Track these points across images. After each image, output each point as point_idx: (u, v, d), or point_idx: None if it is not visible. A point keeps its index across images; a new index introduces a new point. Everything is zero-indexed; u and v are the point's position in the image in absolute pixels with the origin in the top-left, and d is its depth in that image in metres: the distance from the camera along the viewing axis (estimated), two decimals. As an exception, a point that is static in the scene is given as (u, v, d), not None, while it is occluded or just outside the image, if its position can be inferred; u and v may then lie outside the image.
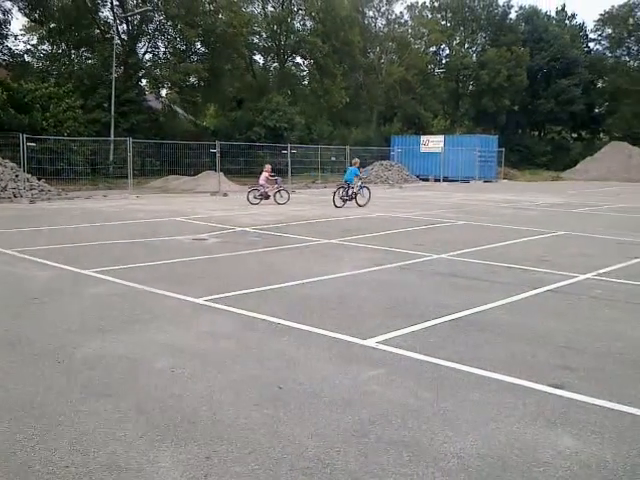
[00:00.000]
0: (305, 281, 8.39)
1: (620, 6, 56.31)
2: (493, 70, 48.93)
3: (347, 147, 32.01)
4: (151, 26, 36.54)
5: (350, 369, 5.08)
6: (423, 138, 41.58)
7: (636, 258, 10.65)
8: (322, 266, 9.53)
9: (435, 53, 55.81)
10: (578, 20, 60.63)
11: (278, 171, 31.49)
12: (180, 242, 12.01)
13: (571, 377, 4.98)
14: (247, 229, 13.94)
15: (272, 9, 41.96)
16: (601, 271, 9.38)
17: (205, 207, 19.30)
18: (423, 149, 40.40)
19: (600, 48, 59.19)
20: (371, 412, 4.25)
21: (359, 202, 19.84)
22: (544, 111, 53.13)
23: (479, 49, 55.50)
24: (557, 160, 51.21)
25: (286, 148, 29.07)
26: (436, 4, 55.04)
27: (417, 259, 10.30)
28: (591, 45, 60.07)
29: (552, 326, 6.43)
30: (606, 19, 57.11)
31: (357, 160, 21.14)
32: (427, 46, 53.27)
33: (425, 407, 4.37)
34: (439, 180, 37.11)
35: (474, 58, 54.12)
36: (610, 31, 57.18)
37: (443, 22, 54.67)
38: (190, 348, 5.55)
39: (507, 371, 5.06)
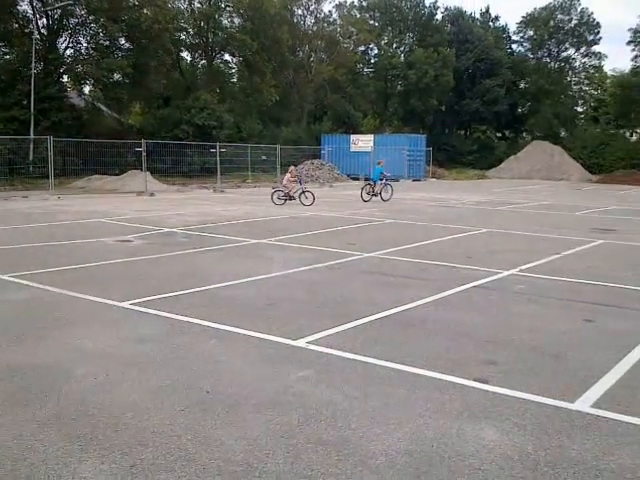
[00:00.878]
0: (234, 282, 8.28)
1: (541, 9, 58.68)
2: (420, 70, 49.92)
3: (278, 146, 31.88)
4: (72, 20, 35.21)
5: (279, 370, 5.05)
6: (353, 137, 41.96)
7: (557, 254, 11.09)
8: (251, 267, 9.44)
9: (364, 52, 56.43)
10: (501, 22, 62.99)
11: (207, 170, 31.20)
12: (104, 244, 11.64)
13: (495, 371, 5.12)
14: (175, 230, 13.66)
15: (199, 5, 41.26)
16: (524, 267, 9.71)
17: (131, 207, 18.79)
18: (353, 148, 40.77)
19: (522, 50, 61.49)
20: (300, 413, 4.24)
21: (384, 197, 22.23)
22: (470, 111, 54.66)
23: (407, 49, 56.50)
24: (483, 159, 52.80)
25: (215, 147, 28.65)
26: (364, 4, 55.70)
27: (347, 258, 10.36)
28: (514, 47, 62.30)
29: (477, 321, 6.60)
30: (528, 21, 59.31)
31: (382, 160, 23.72)
32: (356, 45, 53.78)
33: (354, 406, 4.38)
34: (369, 179, 37.46)
35: (402, 58, 55.03)
36: (532, 33, 59.41)
37: (371, 22, 55.35)
38: (114, 354, 5.37)
39: (434, 367, 5.15)
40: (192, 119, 35.18)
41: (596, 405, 4.45)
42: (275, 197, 20.15)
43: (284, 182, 20.54)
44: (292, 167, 21.67)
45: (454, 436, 3.95)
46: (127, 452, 3.65)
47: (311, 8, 48.44)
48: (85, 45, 36.55)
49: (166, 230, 13.61)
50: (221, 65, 44.94)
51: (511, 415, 4.27)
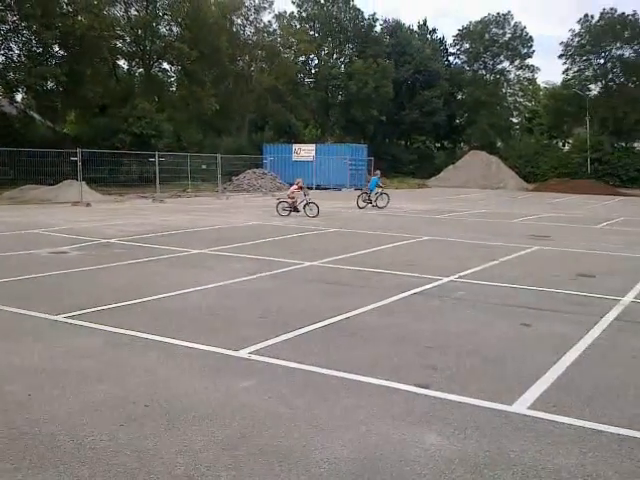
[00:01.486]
0: (174, 293, 8.12)
1: (477, 22, 60.42)
2: (361, 81, 50.51)
3: (218, 155, 31.56)
4: (4, 27, 34.03)
5: (221, 381, 4.97)
6: (295, 147, 42.03)
7: (493, 260, 11.37)
8: (192, 277, 9.28)
9: (304, 63, 56.71)
10: (439, 35, 64.25)
11: (146, 180, 30.61)
12: (37, 256, 11.22)
13: (436, 376, 5.18)
14: (112, 240, 13.30)
15: (136, 13, 40.56)
16: (463, 273, 9.91)
17: (66, 218, 18.21)
18: (295, 157, 40.85)
19: (459, 62, 63.18)
20: (242, 424, 4.18)
21: (379, 205, 23.61)
22: (409, 121, 55.65)
23: (347, 60, 57.06)
24: (423, 168, 53.89)
25: (154, 156, 28.16)
26: (304, 14, 55.98)
27: (289, 267, 10.33)
28: (451, 59, 63.93)
29: (418, 328, 6.68)
30: (464, 34, 61.00)
31: (378, 172, 25.97)
32: (296, 55, 54.00)
33: (297, 415, 4.36)
34: (311, 188, 37.58)
35: (342, 69, 55.58)
36: (468, 46, 61.12)
37: (311, 32, 55.65)
38: (48, 369, 5.17)
39: (377, 374, 5.17)
40: (130, 128, 34.49)
41: (533, 407, 4.56)
42: (280, 208, 19.66)
43: (289, 193, 20.00)
44: (298, 179, 20.99)
45: (397, 442, 3.97)
46: (63, 470, 3.51)
47: (250, 18, 48.32)
48: (17, 52, 35.39)
49: (103, 241, 13.24)
50: (159, 74, 44.27)
51: (452, 419, 4.33)
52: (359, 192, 25.45)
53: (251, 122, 49.94)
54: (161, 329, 6.36)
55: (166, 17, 41.15)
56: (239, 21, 48.11)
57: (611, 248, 13.43)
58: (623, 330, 6.75)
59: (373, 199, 23.70)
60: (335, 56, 58.10)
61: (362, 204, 23.57)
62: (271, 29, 51.16)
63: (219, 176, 31.22)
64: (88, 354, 5.58)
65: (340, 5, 56.08)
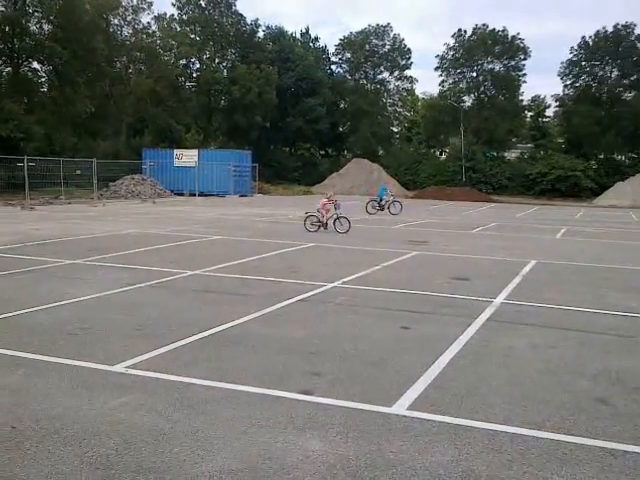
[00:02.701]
0: (43, 307, 7.62)
1: (357, 32, 62.08)
2: (244, 87, 50.25)
3: (94, 160, 30.12)
4: None
5: (96, 398, 4.72)
6: (176, 152, 41.04)
7: (376, 266, 11.67)
8: (64, 290, 8.76)
9: (185, 66, 55.57)
10: (321, 43, 65.16)
11: (14, 186, 28.67)
12: None
13: (319, 382, 5.21)
14: (-24, 251, 12.31)
15: (2, 9, 37.95)
16: (346, 279, 10.08)
17: None
18: (177, 163, 39.89)
19: (341, 71, 64.48)
20: (118, 442, 4.00)
21: (392, 212, 25.79)
22: (293, 128, 56.09)
23: (230, 65, 56.60)
24: (307, 175, 54.52)
25: (22, 161, 26.41)
26: (185, 17, 54.94)
27: (170, 277, 10.03)
28: (333, 68, 65.10)
29: (302, 335, 6.69)
30: (345, 44, 62.47)
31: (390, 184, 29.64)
32: (177, 58, 52.82)
33: (176, 429, 4.22)
34: (194, 195, 36.93)
35: (225, 74, 55.05)
36: (349, 55, 62.62)
37: (192, 36, 54.68)
38: None
39: (259, 383, 5.12)
40: (-5, 130, 32.22)
41: (411, 407, 4.69)
42: (308, 223, 17.99)
43: (319, 206, 18.29)
44: (331, 193, 19.66)
45: (279, 450, 3.94)
46: None
47: (128, 18, 46.72)
48: None
49: (-35, 252, 12.22)
50: (29, 73, 41.65)
51: (334, 424, 4.36)
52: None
53: (129, 126, 48.19)
54: (29, 345, 5.95)
55: (36, 14, 38.85)
56: (116, 21, 46.41)
57: (484, 252, 14.21)
58: (494, 330, 7.13)
59: (385, 206, 26.14)
60: (217, 60, 57.41)
61: (372, 211, 26.07)
62: (150, 31, 49.68)
63: (95, 182, 29.82)
64: (-57, 377, 5.09)
65: (222, 10, 55.59)
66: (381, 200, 26.63)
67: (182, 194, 37.85)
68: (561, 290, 9.73)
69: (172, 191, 38.02)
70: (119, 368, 5.39)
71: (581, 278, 10.97)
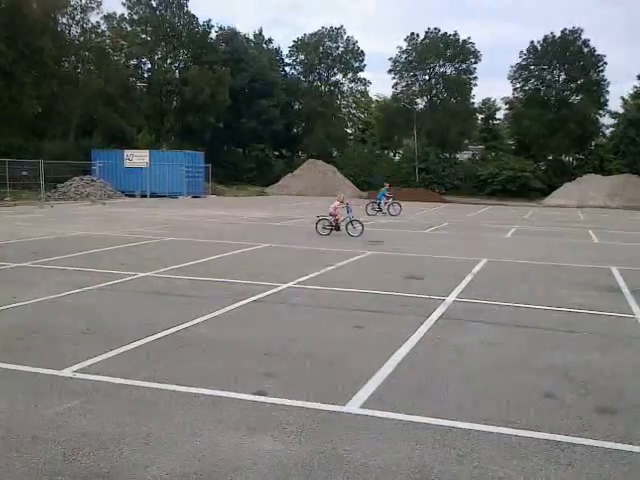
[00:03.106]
0: (-12, 311, 7.36)
1: (311, 34, 62.16)
2: (196, 87, 49.70)
3: (41, 161, 29.31)
4: None
5: (42, 403, 4.60)
6: (127, 152, 40.28)
7: (330, 266, 11.68)
8: (8, 294, 8.47)
9: (137, 66, 54.66)
10: (274, 45, 64.97)
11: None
12: None
13: (273, 383, 5.17)
14: None
15: (-56, 6, 36.67)
16: (301, 279, 10.06)
17: None
18: (128, 164, 39.17)
19: (295, 72, 64.42)
20: (66, 447, 3.91)
21: (392, 213, 26.27)
22: (247, 129, 55.73)
23: (182, 66, 55.91)
24: (261, 176, 54.28)
25: (-35, 162, 25.53)
26: (135, 17, 54.00)
27: (121, 279, 9.82)
28: (287, 69, 64.99)
29: (256, 336, 6.64)
30: (299, 46, 62.45)
31: (387, 184, 28.50)
32: (127, 59, 51.88)
33: (126, 433, 4.13)
34: (146, 196, 36.33)
35: (177, 74, 54.35)
36: (303, 57, 62.63)
37: (143, 36, 53.82)
38: None
39: (212, 385, 5.05)
40: None
41: (365, 406, 4.70)
42: (320, 227, 17.53)
43: (331, 210, 17.80)
44: (341, 194, 19.30)
45: (232, 451, 3.90)
46: None
47: (77, 17, 45.60)
48: None
49: None
50: (-27, 73, 40.29)
51: (288, 424, 4.33)
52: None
53: (79, 127, 47.05)
54: (-30, 352, 5.73)
55: (-20, 13, 37.58)
56: (64, 20, 45.24)
57: (437, 251, 14.39)
58: (446, 328, 7.23)
59: (384, 208, 26.36)
60: (169, 61, 56.60)
61: (371, 212, 26.16)
62: (99, 30, 48.62)
63: (42, 183, 29.03)
64: None
65: (174, 10, 54.86)
66: (379, 202, 26.83)
67: (133, 195, 37.17)
68: (511, 288, 9.94)
69: (123, 192, 37.29)
70: (67, 372, 5.25)
71: (530, 276, 11.22)
